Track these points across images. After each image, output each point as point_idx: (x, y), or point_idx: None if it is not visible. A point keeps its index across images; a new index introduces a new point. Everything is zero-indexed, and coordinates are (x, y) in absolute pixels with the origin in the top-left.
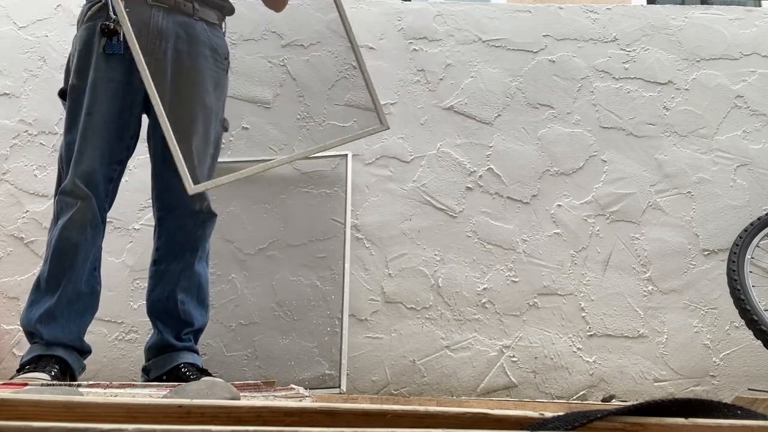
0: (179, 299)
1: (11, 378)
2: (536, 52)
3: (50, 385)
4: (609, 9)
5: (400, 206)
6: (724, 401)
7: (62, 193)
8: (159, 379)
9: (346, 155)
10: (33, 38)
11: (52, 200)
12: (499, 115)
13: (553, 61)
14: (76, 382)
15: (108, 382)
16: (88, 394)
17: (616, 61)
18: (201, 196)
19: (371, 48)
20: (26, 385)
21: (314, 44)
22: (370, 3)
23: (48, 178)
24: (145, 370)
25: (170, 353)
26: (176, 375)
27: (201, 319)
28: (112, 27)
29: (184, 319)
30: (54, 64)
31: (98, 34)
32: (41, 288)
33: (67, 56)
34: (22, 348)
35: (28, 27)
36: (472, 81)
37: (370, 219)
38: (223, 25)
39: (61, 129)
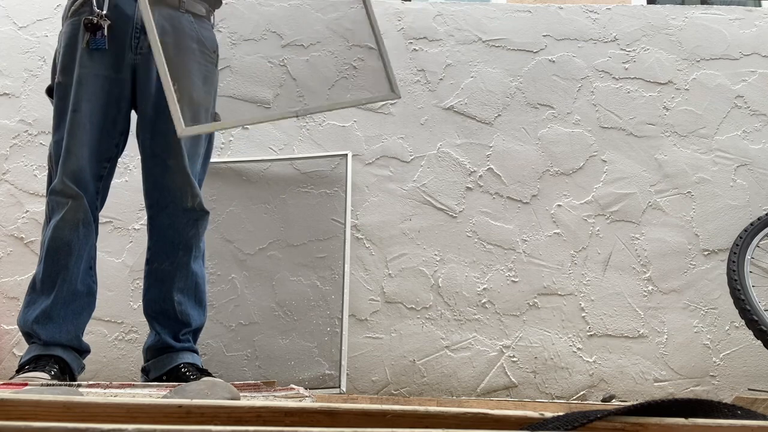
0: (176, 300)
1: (11, 378)
2: (536, 52)
3: (50, 384)
4: (609, 9)
5: (400, 206)
6: (724, 401)
7: (52, 192)
8: (159, 379)
9: (346, 155)
10: (33, 38)
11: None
12: (499, 115)
13: (553, 61)
14: (76, 382)
15: (108, 382)
16: (88, 394)
17: (616, 61)
18: (193, 193)
19: (371, 48)
20: (26, 384)
21: (314, 44)
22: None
23: None
24: (145, 371)
25: (170, 353)
26: (176, 375)
27: (199, 319)
28: (95, 21)
29: (182, 320)
30: None
31: (82, 30)
32: (37, 288)
33: (53, 53)
34: (22, 348)
35: (28, 27)
36: (472, 81)
37: (370, 219)
38: (212, 18)
39: None
